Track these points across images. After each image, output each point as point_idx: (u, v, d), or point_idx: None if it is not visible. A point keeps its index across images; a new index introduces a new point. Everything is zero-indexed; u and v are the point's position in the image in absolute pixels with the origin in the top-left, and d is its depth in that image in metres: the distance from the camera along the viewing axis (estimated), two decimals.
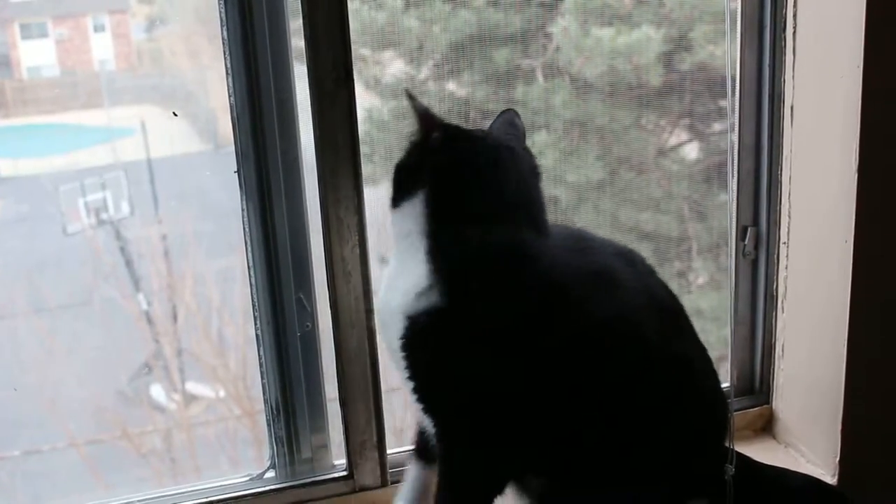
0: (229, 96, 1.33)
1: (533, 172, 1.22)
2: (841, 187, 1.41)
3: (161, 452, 3.72)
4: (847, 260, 1.41)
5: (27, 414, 3.30)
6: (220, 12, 1.30)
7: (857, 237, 1.40)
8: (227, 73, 1.32)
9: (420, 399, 1.18)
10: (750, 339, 1.66)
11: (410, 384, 1.17)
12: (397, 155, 1.21)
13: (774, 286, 1.60)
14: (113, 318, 3.81)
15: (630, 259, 1.24)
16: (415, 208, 1.16)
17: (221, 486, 1.44)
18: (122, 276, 3.75)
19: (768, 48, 1.53)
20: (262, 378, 1.45)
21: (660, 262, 2.28)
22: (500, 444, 1.16)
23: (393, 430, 1.84)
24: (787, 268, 1.57)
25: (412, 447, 1.32)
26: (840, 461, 1.48)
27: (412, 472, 1.31)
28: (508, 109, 1.28)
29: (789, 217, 1.55)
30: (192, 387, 3.95)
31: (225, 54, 1.32)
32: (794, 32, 1.48)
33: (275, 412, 1.44)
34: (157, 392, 3.88)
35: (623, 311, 1.16)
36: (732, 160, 1.58)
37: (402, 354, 1.16)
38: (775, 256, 1.59)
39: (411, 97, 1.19)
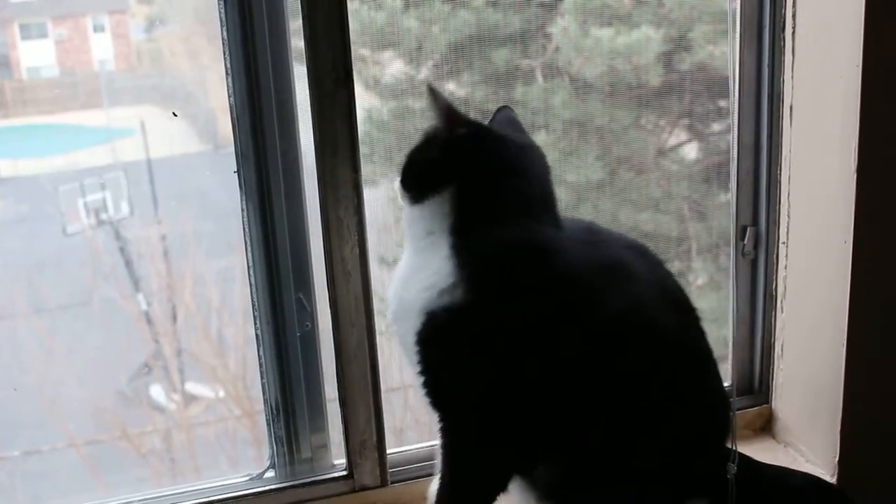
0: (229, 96, 1.33)
1: (546, 168, 1.23)
2: (840, 187, 1.41)
3: (161, 452, 3.71)
4: (846, 260, 1.41)
5: (27, 414, 3.30)
6: (220, 12, 1.30)
7: (857, 237, 1.40)
8: (226, 74, 1.32)
9: (430, 394, 1.18)
10: (749, 338, 1.66)
11: (422, 379, 1.17)
12: (397, 155, 1.22)
13: (774, 286, 1.60)
14: (112, 318, 3.80)
15: (640, 251, 1.24)
16: (442, 206, 1.15)
17: (221, 485, 1.44)
18: (122, 277, 3.75)
19: (767, 48, 1.53)
20: (262, 378, 1.45)
21: None
22: (507, 440, 1.16)
23: (393, 429, 1.84)
24: (786, 267, 1.57)
25: None
26: (839, 461, 1.48)
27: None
28: (504, 106, 1.29)
29: (788, 217, 1.55)
30: (192, 387, 3.94)
31: (225, 55, 1.32)
32: (794, 32, 1.49)
33: (274, 412, 1.44)
34: (157, 392, 3.88)
35: (639, 303, 1.16)
36: (734, 160, 1.58)
37: (417, 349, 1.16)
38: (774, 256, 1.59)
39: (434, 92, 1.18)
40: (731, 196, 1.60)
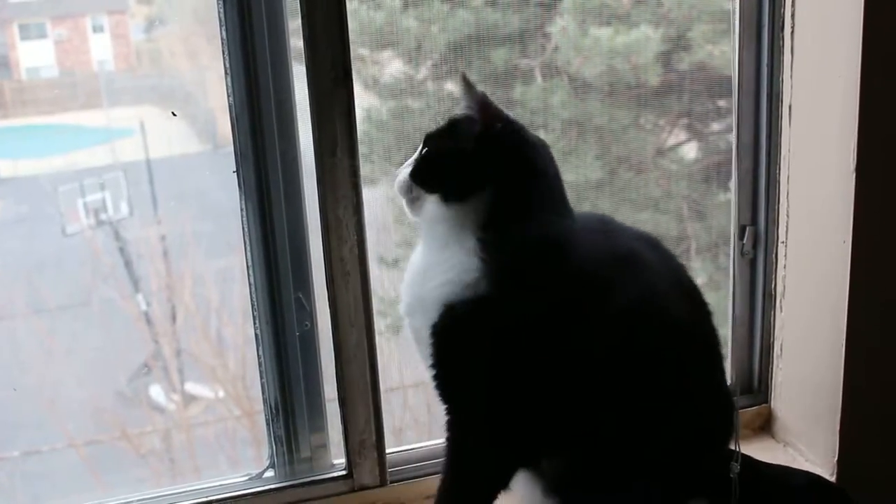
0: (228, 96, 1.33)
1: (556, 162, 1.23)
2: (839, 187, 1.41)
3: (160, 453, 3.71)
4: (845, 259, 1.41)
5: (26, 414, 3.29)
6: (219, 13, 1.30)
7: (855, 236, 1.40)
8: (225, 74, 1.32)
9: (442, 386, 1.18)
10: (748, 338, 1.66)
11: (434, 371, 1.17)
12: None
13: (773, 285, 1.60)
14: (112, 318, 3.80)
15: (651, 243, 1.25)
16: (476, 205, 1.14)
17: (221, 485, 1.44)
18: (122, 277, 3.75)
19: (766, 48, 1.53)
20: (262, 378, 1.45)
21: None
22: (515, 435, 1.16)
23: (392, 429, 1.84)
24: (785, 267, 1.57)
25: None
26: (838, 460, 1.48)
27: None
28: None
29: (787, 216, 1.55)
30: (192, 387, 3.94)
31: (224, 54, 1.32)
32: (793, 32, 1.49)
33: (274, 412, 1.44)
34: (157, 392, 3.87)
35: (654, 294, 1.17)
36: (736, 160, 1.58)
37: (431, 341, 1.16)
38: (773, 256, 1.59)
39: (468, 83, 1.17)
40: (732, 195, 1.60)
